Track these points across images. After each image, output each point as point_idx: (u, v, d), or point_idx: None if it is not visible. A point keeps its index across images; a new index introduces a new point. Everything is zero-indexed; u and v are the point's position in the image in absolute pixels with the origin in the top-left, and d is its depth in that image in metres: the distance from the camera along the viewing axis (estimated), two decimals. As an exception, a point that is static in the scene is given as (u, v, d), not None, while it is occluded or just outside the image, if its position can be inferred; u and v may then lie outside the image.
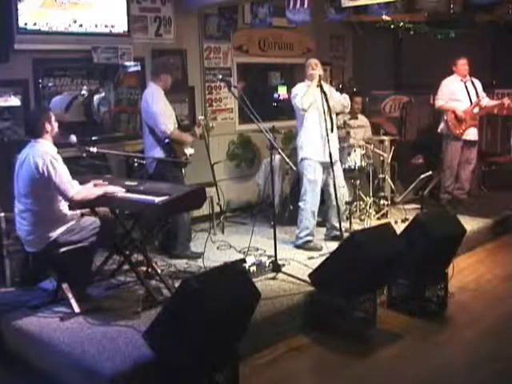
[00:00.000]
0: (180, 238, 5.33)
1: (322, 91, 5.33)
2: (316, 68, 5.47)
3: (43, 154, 3.95)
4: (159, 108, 5.07)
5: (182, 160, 5.22)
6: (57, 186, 3.96)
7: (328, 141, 5.35)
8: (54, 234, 4.06)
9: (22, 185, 4.03)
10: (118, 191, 4.21)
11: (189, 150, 5.34)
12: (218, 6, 6.80)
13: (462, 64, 6.91)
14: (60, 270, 4.21)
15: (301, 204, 5.62)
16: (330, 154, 5.34)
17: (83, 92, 5.86)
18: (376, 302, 4.37)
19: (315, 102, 5.41)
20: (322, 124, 5.41)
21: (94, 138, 5.93)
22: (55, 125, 4.14)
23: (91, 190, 4.16)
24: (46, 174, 3.91)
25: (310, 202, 5.54)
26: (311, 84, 5.39)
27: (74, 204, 4.14)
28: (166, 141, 5.10)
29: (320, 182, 5.54)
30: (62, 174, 3.96)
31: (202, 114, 6.93)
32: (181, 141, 5.21)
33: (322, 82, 5.41)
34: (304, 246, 5.57)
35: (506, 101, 6.96)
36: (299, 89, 5.52)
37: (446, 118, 7.00)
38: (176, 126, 5.24)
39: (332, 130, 5.44)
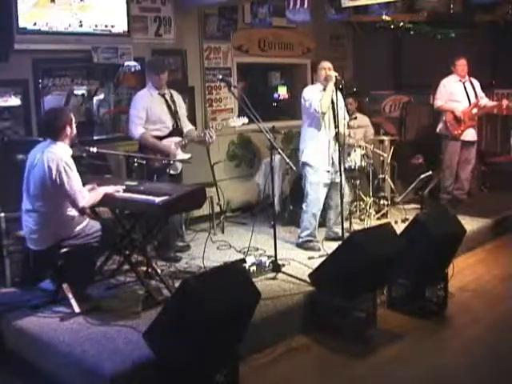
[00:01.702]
0: (164, 239, 5.32)
1: (335, 95, 5.32)
2: (330, 71, 5.41)
3: (58, 159, 3.89)
4: (132, 113, 5.16)
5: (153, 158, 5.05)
6: (68, 195, 3.92)
7: (332, 147, 5.42)
8: (59, 238, 4.04)
9: (32, 185, 3.99)
10: (120, 189, 4.20)
11: (183, 156, 5.25)
12: (218, 6, 6.80)
13: (461, 64, 6.91)
14: (61, 270, 4.21)
15: (303, 206, 5.63)
16: (333, 162, 5.45)
17: (79, 92, 5.86)
18: (376, 302, 4.38)
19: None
20: (330, 130, 5.43)
21: (94, 138, 5.94)
22: (74, 127, 4.11)
23: (95, 195, 4.11)
24: (58, 181, 3.87)
25: (311, 205, 5.54)
26: (328, 86, 5.32)
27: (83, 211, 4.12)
28: (140, 145, 5.14)
29: (323, 185, 5.53)
30: (73, 183, 3.92)
31: (203, 114, 6.94)
32: (153, 148, 5.10)
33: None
34: (303, 245, 5.57)
35: (505, 102, 6.96)
36: (312, 92, 5.45)
37: (444, 118, 7.01)
38: (166, 130, 5.19)
39: (337, 138, 5.44)
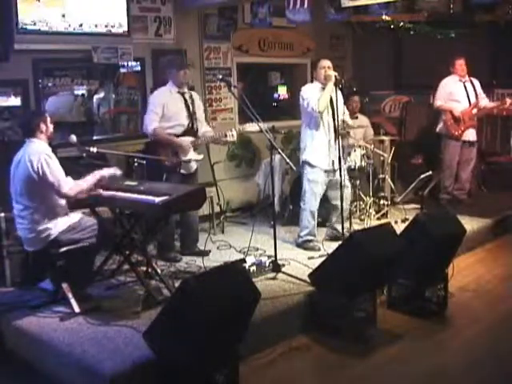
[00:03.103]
0: (165, 240, 5.30)
1: (335, 94, 5.32)
2: (330, 70, 5.41)
3: (37, 152, 3.99)
4: (148, 107, 5.18)
5: (161, 158, 5.00)
6: (50, 183, 3.97)
7: (333, 147, 5.44)
8: (55, 232, 4.06)
9: (18, 184, 4.06)
10: (111, 173, 4.23)
11: (195, 156, 5.23)
12: (218, 6, 6.80)
13: (460, 64, 6.91)
14: (60, 270, 4.21)
15: (301, 204, 5.63)
16: (333, 161, 5.46)
17: (79, 92, 5.86)
18: (376, 302, 4.38)
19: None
20: (330, 129, 5.44)
21: (94, 138, 5.94)
22: (51, 126, 4.18)
23: (83, 181, 4.14)
24: (40, 171, 3.93)
25: (309, 203, 5.54)
26: (328, 86, 5.30)
27: (71, 202, 4.16)
28: (152, 141, 5.10)
29: (321, 184, 5.53)
30: (55, 172, 3.98)
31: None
32: (165, 143, 5.07)
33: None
34: (303, 245, 5.57)
35: (508, 100, 6.94)
36: (310, 91, 5.43)
37: (444, 118, 7.01)
38: (181, 128, 5.14)
39: (337, 137, 5.45)
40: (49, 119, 4.18)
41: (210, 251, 5.46)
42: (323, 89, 5.39)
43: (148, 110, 5.17)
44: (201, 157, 5.35)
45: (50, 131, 4.18)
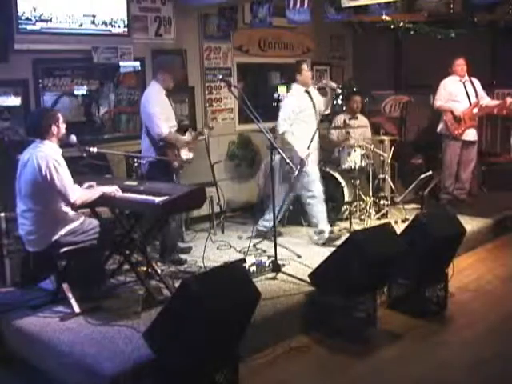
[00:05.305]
0: (165, 243, 5.26)
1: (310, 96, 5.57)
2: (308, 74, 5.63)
3: (47, 156, 3.93)
4: (155, 110, 4.94)
5: (171, 158, 4.99)
6: (58, 190, 3.95)
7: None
8: (56, 235, 4.05)
9: (24, 186, 4.02)
10: (115, 190, 4.20)
11: (188, 155, 5.21)
12: (218, 6, 6.80)
13: (460, 64, 6.92)
14: (60, 270, 4.21)
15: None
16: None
17: (79, 92, 5.86)
18: (376, 302, 4.38)
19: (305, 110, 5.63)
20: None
21: (94, 138, 5.93)
22: (62, 126, 4.12)
23: (90, 192, 4.15)
24: (48, 177, 3.90)
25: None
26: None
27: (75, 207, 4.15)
28: (161, 144, 4.98)
29: None
30: (63, 179, 3.95)
31: (203, 114, 6.94)
32: (176, 144, 5.04)
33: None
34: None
35: (509, 99, 6.93)
36: (289, 107, 5.59)
37: (444, 118, 7.01)
38: (174, 128, 5.11)
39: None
40: (61, 119, 4.11)
41: (191, 248, 5.49)
42: (306, 92, 5.62)
43: (155, 112, 4.94)
44: (192, 155, 5.30)
45: (62, 133, 4.11)
